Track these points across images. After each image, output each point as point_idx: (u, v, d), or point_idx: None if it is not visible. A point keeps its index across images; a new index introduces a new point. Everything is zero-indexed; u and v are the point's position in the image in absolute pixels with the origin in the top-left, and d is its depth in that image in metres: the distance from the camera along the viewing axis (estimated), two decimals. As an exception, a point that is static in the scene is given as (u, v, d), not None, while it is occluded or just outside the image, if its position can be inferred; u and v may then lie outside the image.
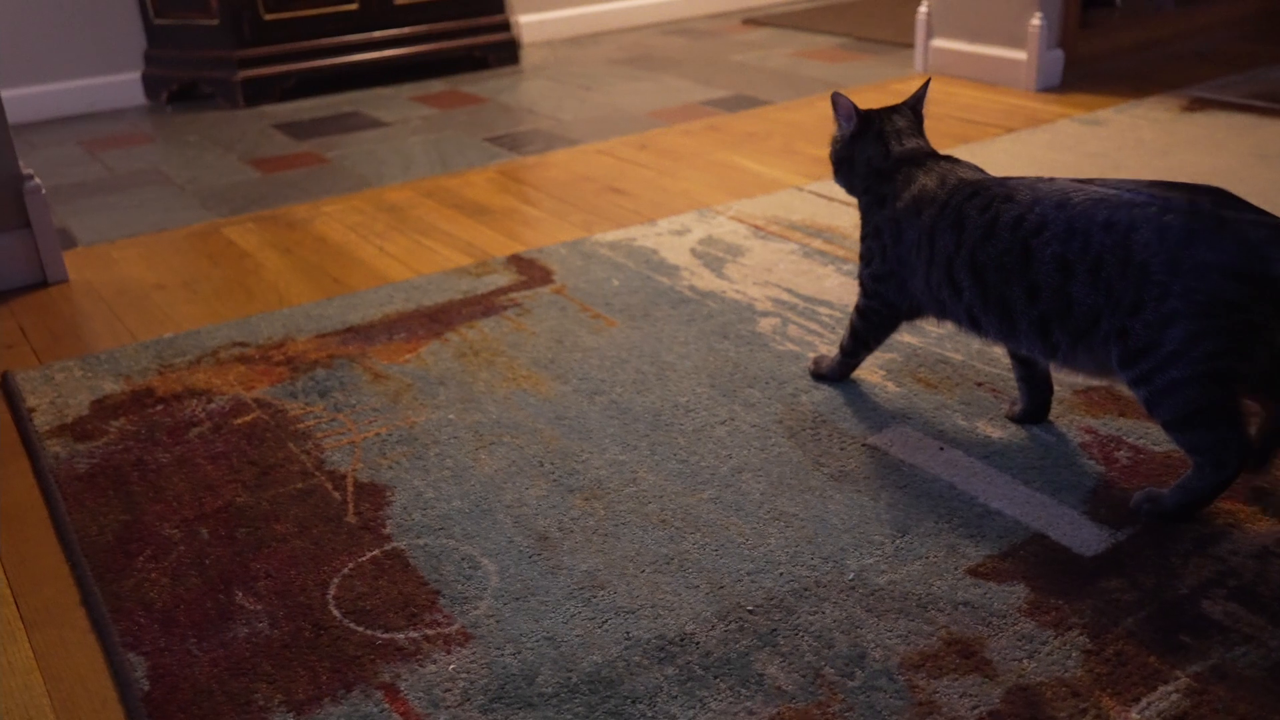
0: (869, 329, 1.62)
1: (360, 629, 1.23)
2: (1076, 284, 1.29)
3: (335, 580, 1.31)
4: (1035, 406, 1.55)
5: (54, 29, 3.68)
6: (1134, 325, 1.25)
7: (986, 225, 1.38)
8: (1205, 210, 1.22)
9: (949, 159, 1.53)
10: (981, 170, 1.51)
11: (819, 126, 3.10)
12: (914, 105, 1.60)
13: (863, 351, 1.66)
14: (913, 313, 1.57)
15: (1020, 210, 1.35)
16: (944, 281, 1.45)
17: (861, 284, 1.61)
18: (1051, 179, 1.37)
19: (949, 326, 1.59)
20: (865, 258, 1.60)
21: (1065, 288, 1.30)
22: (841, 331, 1.83)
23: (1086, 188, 1.32)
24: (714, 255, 2.20)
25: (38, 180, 2.25)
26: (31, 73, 3.68)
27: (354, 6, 3.81)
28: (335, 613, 1.26)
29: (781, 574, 1.28)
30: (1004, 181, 1.42)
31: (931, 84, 3.44)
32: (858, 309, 1.62)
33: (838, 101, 1.58)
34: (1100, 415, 1.57)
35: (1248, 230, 1.20)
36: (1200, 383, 1.24)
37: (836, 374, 1.70)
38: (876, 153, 1.56)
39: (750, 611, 1.22)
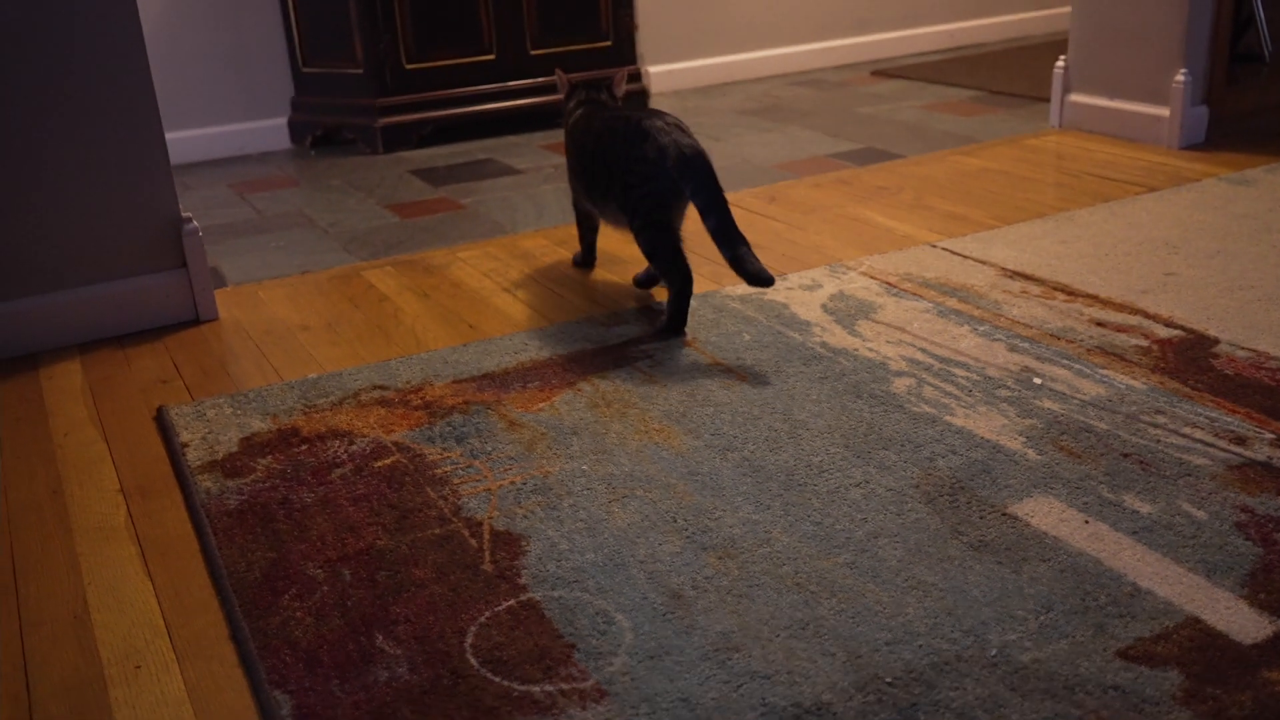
0: (577, 222, 2.51)
1: (497, 679, 1.25)
2: (600, 168, 2.17)
3: (473, 628, 1.33)
4: (588, 258, 2.55)
5: (211, 77, 3.88)
6: (619, 195, 2.12)
7: (592, 135, 2.23)
8: (645, 128, 2.07)
9: (610, 109, 2.32)
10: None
11: (952, 181, 3.07)
12: (607, 83, 2.43)
13: (589, 238, 2.53)
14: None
15: (604, 123, 2.21)
16: (589, 175, 2.24)
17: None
18: (650, 109, 2.17)
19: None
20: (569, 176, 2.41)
21: (601, 171, 2.17)
22: (979, 393, 1.81)
23: (627, 111, 2.20)
24: (845, 311, 2.19)
25: (195, 223, 2.36)
26: (188, 117, 3.88)
27: (491, 57, 3.92)
28: (473, 661, 1.28)
29: (920, 646, 1.26)
30: (618, 109, 2.29)
31: (1065, 139, 3.39)
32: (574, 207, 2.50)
33: (560, 75, 2.48)
34: (1257, 494, 1.51)
35: (660, 137, 2.05)
36: (649, 229, 2.09)
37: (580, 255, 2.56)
38: (572, 106, 2.42)
39: (889, 684, 1.20)
